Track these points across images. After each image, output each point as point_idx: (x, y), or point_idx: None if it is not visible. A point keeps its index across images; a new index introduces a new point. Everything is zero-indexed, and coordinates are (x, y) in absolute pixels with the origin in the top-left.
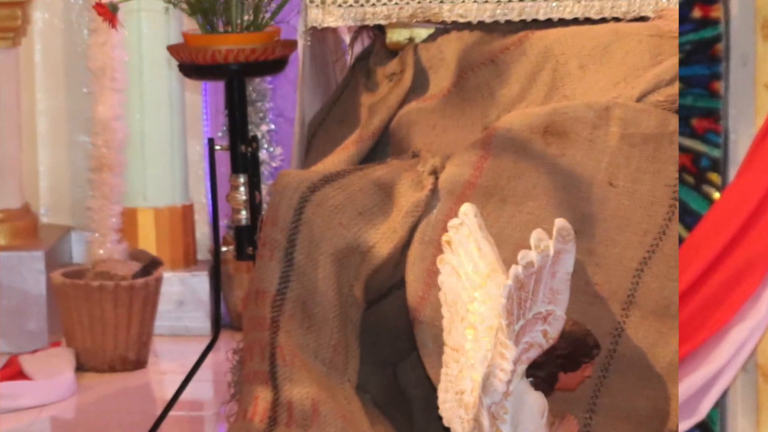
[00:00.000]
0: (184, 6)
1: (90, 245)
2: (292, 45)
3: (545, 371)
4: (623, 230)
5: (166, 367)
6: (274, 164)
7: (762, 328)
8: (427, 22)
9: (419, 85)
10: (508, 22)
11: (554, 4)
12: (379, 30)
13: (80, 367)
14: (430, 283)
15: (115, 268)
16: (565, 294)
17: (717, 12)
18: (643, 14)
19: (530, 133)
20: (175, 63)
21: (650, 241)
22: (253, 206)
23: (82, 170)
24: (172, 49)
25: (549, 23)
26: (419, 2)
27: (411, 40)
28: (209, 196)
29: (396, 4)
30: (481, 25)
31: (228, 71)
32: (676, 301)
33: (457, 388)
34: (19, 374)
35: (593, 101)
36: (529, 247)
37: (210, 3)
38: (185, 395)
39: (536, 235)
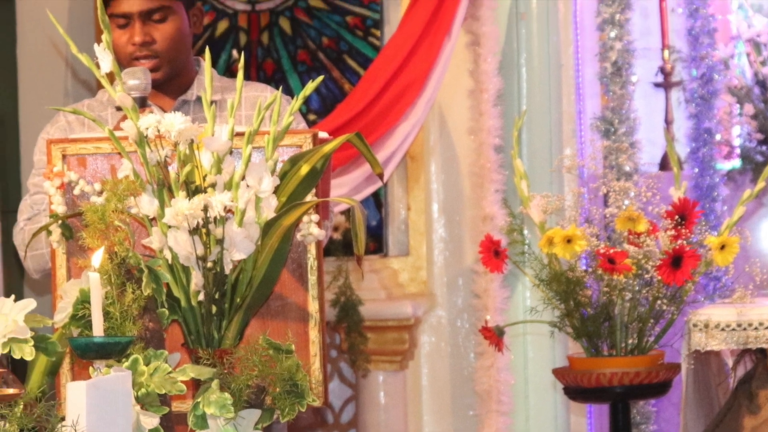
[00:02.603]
0: (569, 330)
1: None
2: (675, 368)
3: None
4: None
5: None
6: None
7: (419, 125)
8: None
9: None
10: None
11: None
12: (761, 353)
13: None
14: None
15: None
16: None
17: None
18: None
19: None
20: (560, 386)
21: None
22: None
23: None
24: (558, 372)
25: None
26: None
27: None
28: None
29: None
30: None
31: (612, 394)
32: None
33: None
34: None
35: None
36: None
37: (595, 327)
38: None
39: None
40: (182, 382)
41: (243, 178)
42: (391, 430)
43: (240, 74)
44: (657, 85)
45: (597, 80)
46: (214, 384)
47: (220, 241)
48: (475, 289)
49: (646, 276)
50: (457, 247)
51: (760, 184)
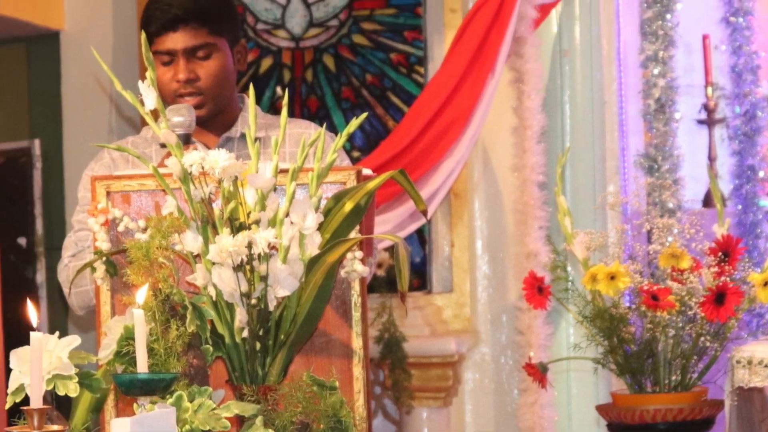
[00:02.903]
0: (613, 366)
1: None
2: (718, 405)
3: None
4: None
5: None
6: None
7: (463, 162)
8: None
9: None
10: None
11: None
12: None
13: None
14: None
15: None
16: None
17: None
18: None
19: None
20: (603, 422)
21: None
22: None
23: None
24: (601, 409)
25: None
26: None
27: None
28: None
29: None
30: None
31: (656, 431)
32: None
33: None
34: None
35: None
36: None
37: (638, 364)
38: None
39: None
40: (226, 418)
41: (287, 215)
42: None
43: (284, 111)
44: (700, 122)
45: (640, 117)
46: (258, 420)
47: (264, 278)
48: (518, 325)
49: (690, 313)
50: (501, 283)
51: None
